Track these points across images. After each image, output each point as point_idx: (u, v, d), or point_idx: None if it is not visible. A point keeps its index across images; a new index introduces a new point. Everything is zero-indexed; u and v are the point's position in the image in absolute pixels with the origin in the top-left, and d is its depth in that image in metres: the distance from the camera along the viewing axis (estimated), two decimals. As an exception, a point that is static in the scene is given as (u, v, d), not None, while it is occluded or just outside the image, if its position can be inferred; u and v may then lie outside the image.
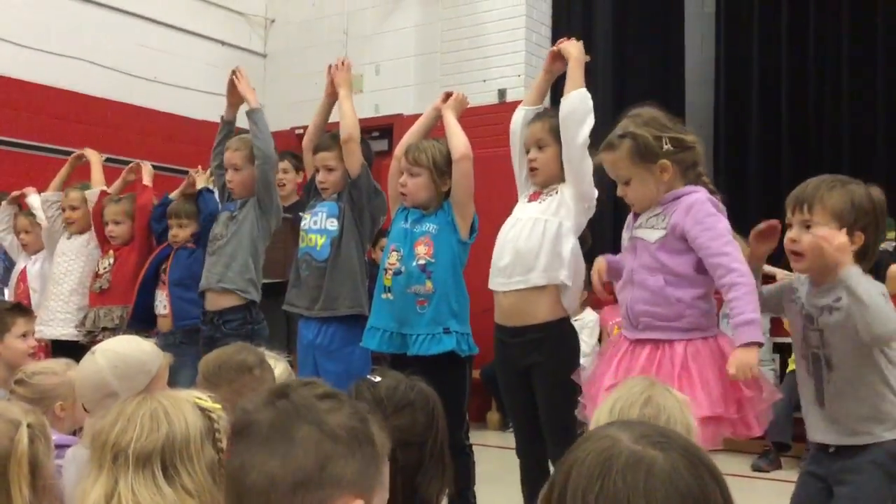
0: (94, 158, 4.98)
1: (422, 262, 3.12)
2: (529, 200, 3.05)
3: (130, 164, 4.92)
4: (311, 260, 3.51)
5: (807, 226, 2.26)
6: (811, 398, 2.35)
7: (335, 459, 1.07)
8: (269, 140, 3.74)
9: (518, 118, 3.14)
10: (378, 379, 1.70)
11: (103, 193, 4.71)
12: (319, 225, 3.53)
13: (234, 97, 3.97)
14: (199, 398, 1.50)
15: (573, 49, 3.03)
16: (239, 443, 1.12)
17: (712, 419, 2.33)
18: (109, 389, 2.09)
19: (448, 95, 3.44)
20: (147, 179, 4.70)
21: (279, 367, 2.24)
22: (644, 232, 2.56)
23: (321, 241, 3.49)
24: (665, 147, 2.50)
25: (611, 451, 0.93)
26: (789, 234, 2.32)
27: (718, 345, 2.49)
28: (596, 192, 2.99)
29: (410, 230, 3.19)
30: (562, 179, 2.97)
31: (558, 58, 3.09)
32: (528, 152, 3.04)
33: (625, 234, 2.68)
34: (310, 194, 3.70)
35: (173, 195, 4.55)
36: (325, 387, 1.16)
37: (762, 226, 2.47)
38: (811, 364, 2.34)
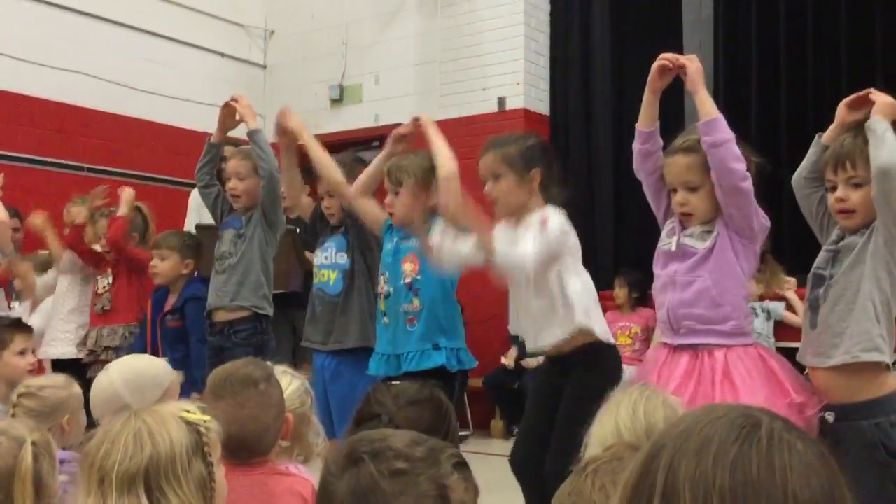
0: (46, 225, 4.83)
1: (408, 279, 3.12)
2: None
3: (97, 189, 4.79)
4: (324, 295, 3.52)
5: (854, 183, 2.30)
6: (807, 326, 2.42)
7: None
8: (273, 159, 3.73)
9: None
10: (396, 381, 1.84)
11: (74, 231, 4.61)
12: (331, 260, 3.54)
13: (229, 122, 3.91)
14: (186, 411, 1.48)
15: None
16: None
17: None
18: (122, 402, 2.16)
19: (415, 122, 3.27)
20: (124, 209, 4.55)
21: (294, 384, 2.24)
22: (693, 241, 2.56)
23: (333, 275, 3.51)
24: None
25: (751, 420, 0.83)
26: (836, 195, 2.35)
27: (758, 352, 2.50)
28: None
29: (396, 248, 3.18)
30: (528, 209, 2.88)
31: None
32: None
33: (667, 240, 2.64)
34: (317, 229, 3.69)
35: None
36: (399, 461, 1.14)
37: (853, 96, 2.45)
38: (812, 289, 2.41)
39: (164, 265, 4.17)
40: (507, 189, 2.84)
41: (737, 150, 2.45)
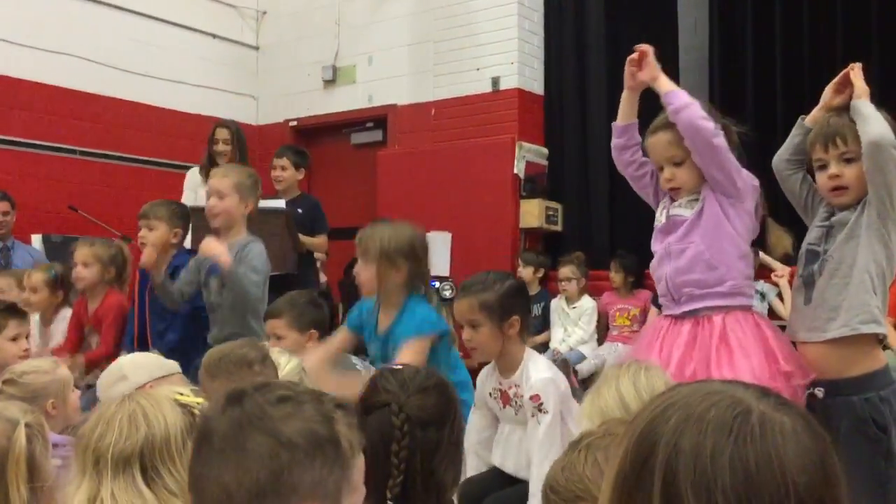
0: None
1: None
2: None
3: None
4: None
5: (846, 158, 2.32)
6: (800, 303, 2.44)
7: (291, 468, 1.06)
8: (249, 292, 3.50)
9: None
10: (400, 366, 1.80)
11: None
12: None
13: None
14: (180, 393, 1.50)
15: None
16: (198, 452, 1.11)
17: None
18: (121, 374, 2.27)
19: None
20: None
21: (291, 363, 2.24)
22: (682, 210, 2.60)
23: None
24: None
25: (741, 406, 0.82)
26: (830, 171, 2.36)
27: (755, 319, 2.53)
28: None
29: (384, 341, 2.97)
30: (511, 355, 2.80)
31: None
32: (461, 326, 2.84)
33: (660, 216, 2.68)
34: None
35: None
36: (282, 390, 1.13)
37: (838, 77, 2.46)
38: (805, 266, 2.43)
39: (152, 235, 4.03)
40: (486, 339, 2.74)
41: (700, 110, 2.47)
